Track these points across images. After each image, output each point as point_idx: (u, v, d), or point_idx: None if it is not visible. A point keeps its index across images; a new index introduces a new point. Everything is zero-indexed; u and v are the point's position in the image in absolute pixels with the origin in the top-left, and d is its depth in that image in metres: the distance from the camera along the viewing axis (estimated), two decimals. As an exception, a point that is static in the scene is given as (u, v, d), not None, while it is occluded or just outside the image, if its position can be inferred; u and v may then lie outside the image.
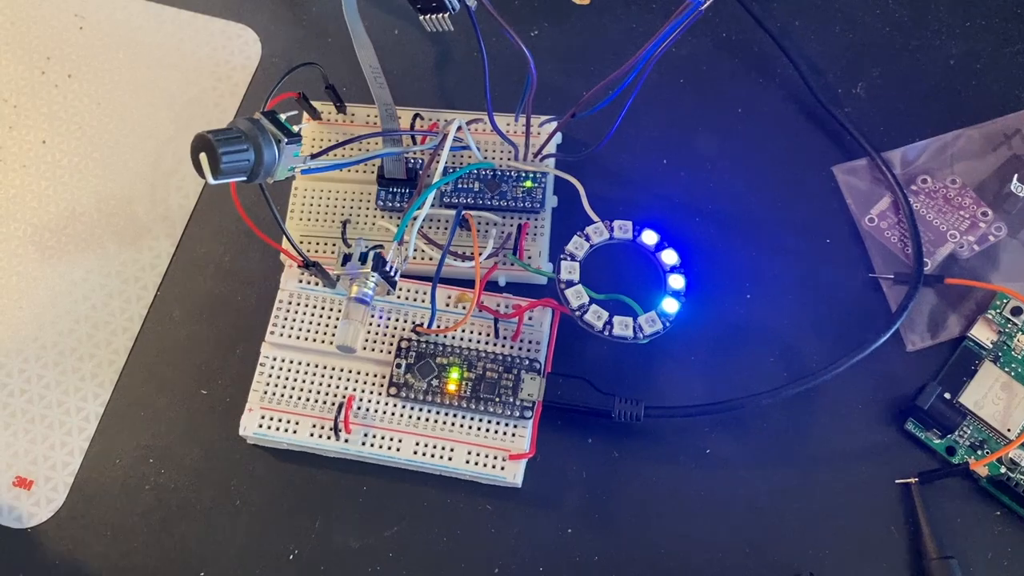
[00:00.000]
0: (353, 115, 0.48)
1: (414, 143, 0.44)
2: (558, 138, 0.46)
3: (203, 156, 0.32)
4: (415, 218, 0.39)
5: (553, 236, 0.45)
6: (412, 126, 0.46)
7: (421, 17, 0.36)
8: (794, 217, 0.46)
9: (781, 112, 0.48)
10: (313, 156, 0.38)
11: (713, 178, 0.47)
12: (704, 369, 0.44)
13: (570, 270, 0.39)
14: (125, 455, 0.43)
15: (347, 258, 0.37)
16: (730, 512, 0.41)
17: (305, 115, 0.47)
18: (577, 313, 0.38)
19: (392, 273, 0.37)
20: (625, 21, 0.51)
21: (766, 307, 0.45)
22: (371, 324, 0.43)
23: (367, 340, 0.43)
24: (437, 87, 0.50)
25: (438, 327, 0.42)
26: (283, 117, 0.35)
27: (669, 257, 0.40)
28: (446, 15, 0.36)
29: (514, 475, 0.41)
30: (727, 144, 0.48)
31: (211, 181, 0.33)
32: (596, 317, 0.38)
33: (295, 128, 0.36)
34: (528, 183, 0.45)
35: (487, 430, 0.41)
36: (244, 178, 0.34)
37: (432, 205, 0.45)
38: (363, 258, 0.37)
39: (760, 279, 0.45)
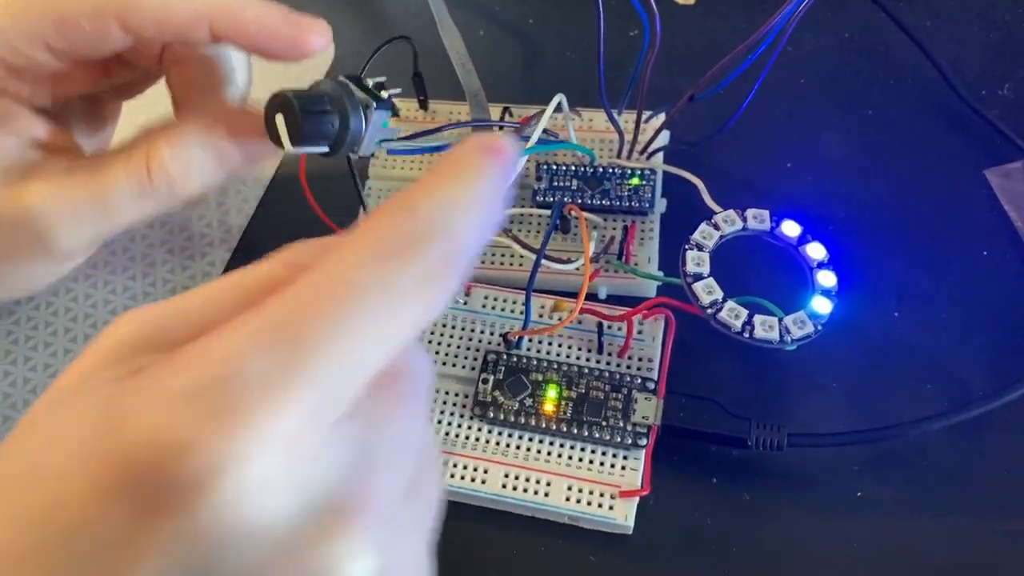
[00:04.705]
0: (435, 112, 0.43)
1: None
2: (664, 138, 0.41)
3: (280, 118, 0.29)
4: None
5: (663, 242, 0.39)
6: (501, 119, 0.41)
7: None
8: (943, 227, 0.40)
9: (917, 113, 0.43)
10: (404, 138, 0.33)
11: (846, 184, 0.41)
12: (846, 396, 0.36)
13: (698, 261, 0.33)
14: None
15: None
16: (893, 569, 0.33)
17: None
18: (709, 311, 0.32)
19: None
20: (733, 21, 0.46)
21: (917, 327, 0.37)
22: (451, 336, 0.37)
23: (446, 355, 0.37)
24: (527, 87, 0.45)
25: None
26: (371, 82, 0.31)
27: (815, 251, 0.33)
28: None
29: (625, 516, 0.33)
30: (859, 147, 0.42)
31: (289, 149, 0.29)
32: (733, 316, 0.31)
33: (385, 94, 0.31)
34: (635, 179, 0.39)
35: (591, 460, 0.34)
36: (325, 148, 0.30)
37: (523, 204, 0.40)
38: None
39: (909, 296, 0.38)
